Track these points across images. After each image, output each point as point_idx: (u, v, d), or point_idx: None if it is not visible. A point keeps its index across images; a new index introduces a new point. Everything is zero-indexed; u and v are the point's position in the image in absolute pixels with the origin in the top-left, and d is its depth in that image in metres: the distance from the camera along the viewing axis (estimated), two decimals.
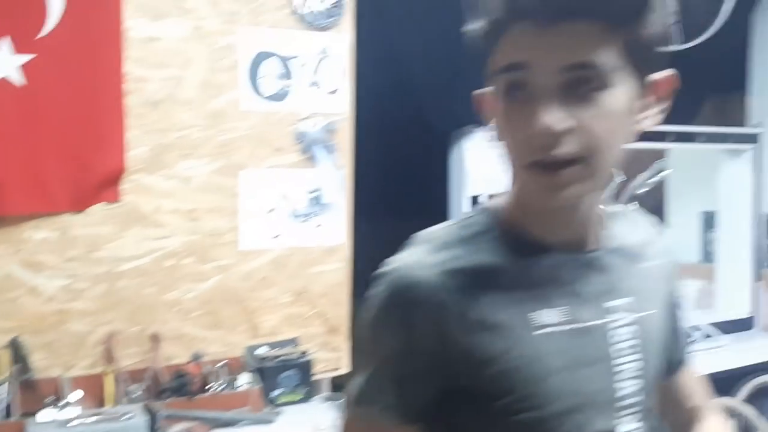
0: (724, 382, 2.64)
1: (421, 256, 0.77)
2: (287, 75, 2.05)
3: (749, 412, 2.58)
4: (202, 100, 1.95)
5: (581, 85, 0.69)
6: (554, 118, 0.69)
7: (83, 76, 1.77)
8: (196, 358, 1.92)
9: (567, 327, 0.77)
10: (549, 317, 0.76)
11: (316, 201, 2.09)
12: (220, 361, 1.94)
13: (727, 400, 2.55)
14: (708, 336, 2.85)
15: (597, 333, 0.79)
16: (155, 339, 1.88)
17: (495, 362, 0.74)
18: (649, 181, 4.16)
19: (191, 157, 1.94)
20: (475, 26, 0.75)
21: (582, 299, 0.79)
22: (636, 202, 4.21)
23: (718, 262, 3.23)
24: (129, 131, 1.85)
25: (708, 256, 3.36)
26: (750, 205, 3.09)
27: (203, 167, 1.95)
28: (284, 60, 2.04)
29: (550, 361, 0.75)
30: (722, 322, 3.01)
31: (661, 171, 4.05)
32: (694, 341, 2.80)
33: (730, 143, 3.06)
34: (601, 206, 0.85)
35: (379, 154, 2.36)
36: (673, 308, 0.92)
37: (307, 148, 2.07)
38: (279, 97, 2.04)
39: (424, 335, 0.73)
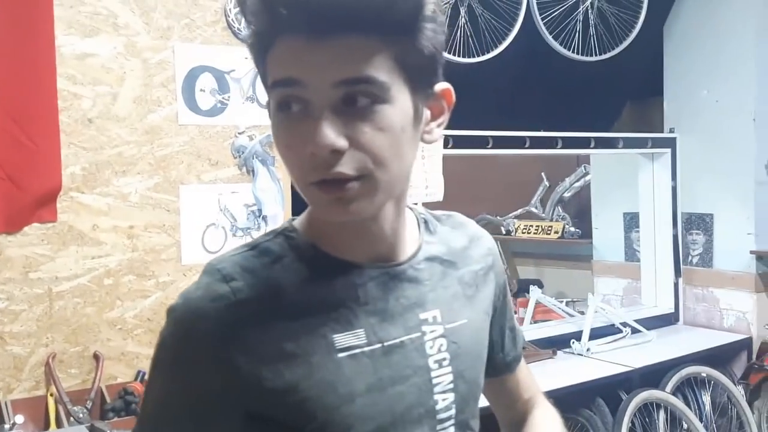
0: (653, 375, 2.77)
1: (208, 287, 0.72)
2: (223, 89, 2.06)
3: (676, 402, 2.72)
4: (137, 116, 1.94)
5: (358, 100, 0.67)
6: (332, 135, 0.65)
7: (16, 95, 1.74)
8: (140, 376, 1.90)
9: (374, 346, 0.74)
10: (353, 339, 0.73)
11: (255, 214, 2.10)
12: None
13: (655, 392, 2.68)
14: (636, 332, 2.98)
15: (409, 348, 0.77)
16: (98, 358, 1.85)
17: (296, 390, 0.70)
18: (574, 185, 4.34)
19: (128, 174, 1.92)
20: (245, 37, 0.73)
21: (390, 315, 0.76)
22: (561, 205, 4.38)
23: (642, 261, 3.39)
24: (64, 149, 1.83)
25: (632, 255, 3.52)
26: (669, 206, 3.26)
27: (140, 183, 1.94)
28: (219, 74, 2.05)
29: (354, 383, 0.72)
30: (648, 318, 3.16)
31: (584, 175, 4.23)
32: (623, 337, 2.93)
33: (648, 148, 3.22)
34: (420, 214, 0.85)
35: None
36: (500, 310, 0.92)
37: (246, 161, 2.09)
38: (216, 111, 2.05)
39: (215, 372, 0.70)
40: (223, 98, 2.06)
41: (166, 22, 1.98)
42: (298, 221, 0.78)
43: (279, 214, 2.14)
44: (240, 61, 2.07)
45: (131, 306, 1.92)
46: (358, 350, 0.73)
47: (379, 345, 0.74)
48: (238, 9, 0.71)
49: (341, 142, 0.66)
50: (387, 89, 0.67)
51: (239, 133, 2.08)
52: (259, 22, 0.67)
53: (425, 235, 0.84)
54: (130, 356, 1.92)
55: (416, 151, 0.74)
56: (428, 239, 0.84)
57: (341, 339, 0.73)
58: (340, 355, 0.72)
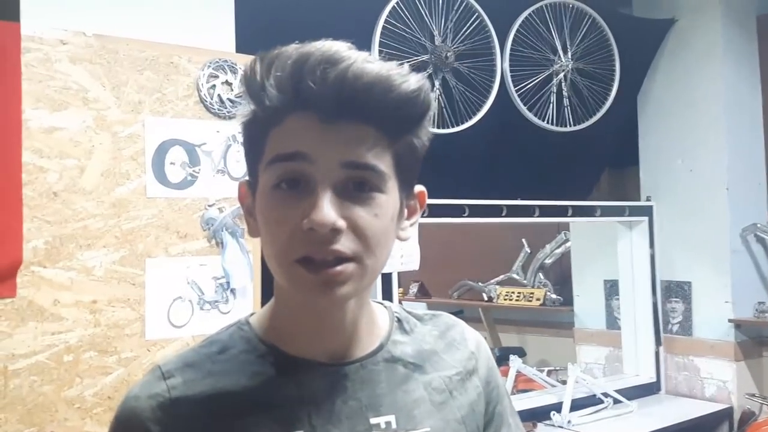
0: None
1: (145, 384, 0.73)
2: (194, 162, 2.06)
3: None
4: (104, 189, 1.92)
5: (358, 185, 0.69)
6: (334, 213, 0.67)
7: None
8: None
9: None
10: None
11: (224, 287, 2.07)
12: None
13: None
14: (617, 402, 2.93)
15: None
16: None
17: None
18: (555, 251, 4.33)
19: (93, 247, 1.90)
20: (247, 112, 0.72)
21: (336, 418, 0.73)
22: (542, 272, 4.36)
23: (623, 329, 3.36)
24: (27, 223, 1.81)
25: (613, 322, 3.49)
26: (648, 273, 3.25)
27: (105, 257, 1.91)
28: (190, 147, 2.05)
29: None
30: (629, 388, 3.12)
31: (564, 242, 4.23)
32: (605, 408, 2.87)
33: (626, 216, 3.23)
34: (395, 312, 0.82)
35: None
36: (492, 423, 0.85)
37: (215, 233, 2.07)
38: (185, 184, 2.04)
39: None
40: (193, 171, 2.06)
41: (137, 96, 1.99)
42: (255, 315, 0.78)
43: (248, 287, 2.11)
44: (211, 135, 2.08)
45: (91, 383, 1.87)
46: None
47: None
48: (245, 84, 0.72)
49: (341, 222, 0.67)
50: (386, 180, 0.71)
51: (209, 206, 2.07)
52: (274, 97, 0.68)
53: (396, 335, 0.81)
54: None
55: (392, 247, 0.75)
56: (398, 339, 0.81)
57: None
58: None
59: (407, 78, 0.69)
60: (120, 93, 1.96)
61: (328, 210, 0.66)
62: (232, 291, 2.09)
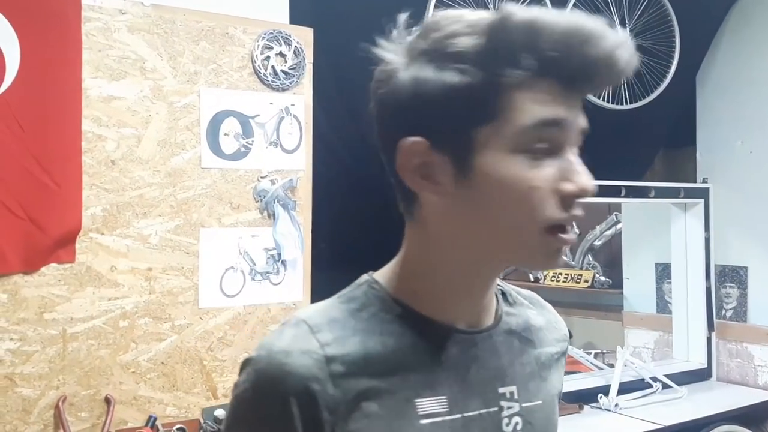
0: None
1: (295, 339, 0.69)
2: (247, 134, 2.06)
3: None
4: (160, 159, 1.95)
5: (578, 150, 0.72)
6: (589, 177, 0.68)
7: (39, 135, 1.76)
8: (151, 421, 1.87)
9: (455, 416, 0.71)
10: (436, 405, 0.71)
11: (275, 258, 2.09)
12: (176, 424, 1.90)
13: None
14: (666, 387, 2.88)
15: (487, 422, 0.74)
16: (108, 402, 1.83)
17: None
18: (605, 233, 4.26)
19: (149, 216, 1.93)
20: (476, 78, 0.67)
21: (470, 385, 0.73)
22: (591, 254, 4.30)
23: (674, 313, 3.29)
24: (86, 190, 1.84)
25: (664, 307, 3.42)
26: (702, 257, 3.17)
27: (160, 225, 1.94)
28: (244, 119, 2.06)
29: None
30: (679, 373, 3.05)
31: (615, 224, 4.15)
32: (653, 392, 2.82)
33: (681, 198, 3.15)
34: (497, 284, 0.82)
35: (339, 211, 2.37)
36: (556, 401, 0.87)
37: (267, 205, 2.08)
38: (239, 155, 2.05)
39: (301, 429, 0.67)
40: (246, 142, 2.06)
41: (193, 66, 2.00)
42: (380, 275, 0.76)
43: (298, 259, 2.12)
44: (265, 106, 2.08)
45: (145, 349, 1.90)
46: (439, 419, 0.70)
47: (459, 416, 0.72)
48: (491, 44, 0.68)
49: (593, 185, 0.69)
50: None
51: (262, 177, 2.08)
52: (529, 64, 0.67)
53: (505, 306, 0.81)
54: (142, 401, 1.89)
55: None
56: (508, 311, 0.81)
57: (424, 405, 0.70)
58: (423, 421, 0.70)
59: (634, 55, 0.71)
60: (176, 63, 1.97)
61: (585, 175, 0.68)
62: (283, 263, 2.10)
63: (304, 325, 0.70)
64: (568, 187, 0.68)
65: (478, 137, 0.68)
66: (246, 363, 0.71)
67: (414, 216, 0.74)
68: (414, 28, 0.73)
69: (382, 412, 0.68)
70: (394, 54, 0.72)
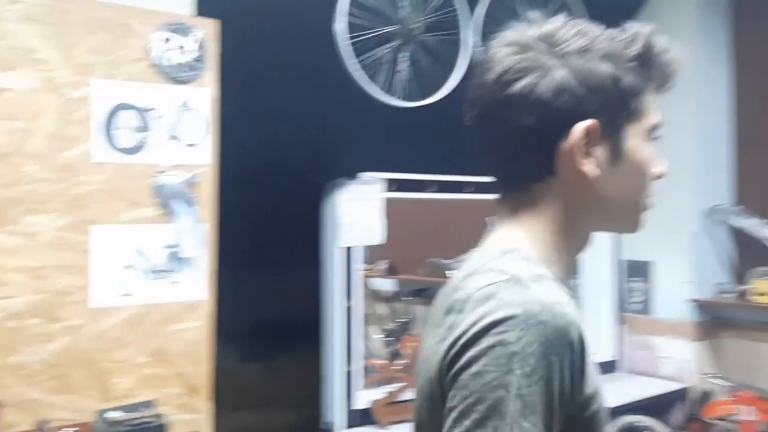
0: None
1: (556, 291, 0.77)
2: (145, 127, 2.01)
3: None
4: (51, 153, 1.88)
5: None
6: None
7: None
8: (41, 424, 1.81)
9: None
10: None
11: (174, 256, 2.04)
12: (68, 427, 1.83)
13: None
14: None
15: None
16: None
17: (594, 400, 0.77)
18: None
19: (39, 212, 1.85)
20: (638, 84, 0.87)
21: None
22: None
23: (584, 308, 3.37)
24: None
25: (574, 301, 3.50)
26: (610, 252, 3.26)
27: (51, 222, 1.87)
28: (141, 112, 2.01)
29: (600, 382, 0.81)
30: None
31: None
32: None
33: None
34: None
35: (245, 208, 2.34)
36: None
37: (166, 201, 2.03)
38: (136, 149, 2.00)
39: (576, 376, 0.73)
40: (144, 137, 2.01)
41: (88, 57, 1.93)
42: (521, 249, 0.83)
43: (200, 256, 2.08)
44: (163, 99, 2.03)
45: (35, 350, 1.83)
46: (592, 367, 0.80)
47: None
48: (652, 56, 0.89)
49: None
50: None
51: (160, 173, 2.03)
52: (660, 78, 0.89)
53: None
54: (32, 404, 1.82)
55: None
56: None
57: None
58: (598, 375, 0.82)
59: None
60: (70, 54, 1.91)
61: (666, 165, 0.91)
62: (183, 260, 2.05)
63: (545, 279, 0.78)
64: (661, 168, 0.90)
65: (629, 128, 0.87)
66: (509, 321, 0.72)
67: (546, 193, 0.86)
68: (542, 22, 0.88)
69: (592, 363, 0.78)
70: (532, 50, 0.85)
